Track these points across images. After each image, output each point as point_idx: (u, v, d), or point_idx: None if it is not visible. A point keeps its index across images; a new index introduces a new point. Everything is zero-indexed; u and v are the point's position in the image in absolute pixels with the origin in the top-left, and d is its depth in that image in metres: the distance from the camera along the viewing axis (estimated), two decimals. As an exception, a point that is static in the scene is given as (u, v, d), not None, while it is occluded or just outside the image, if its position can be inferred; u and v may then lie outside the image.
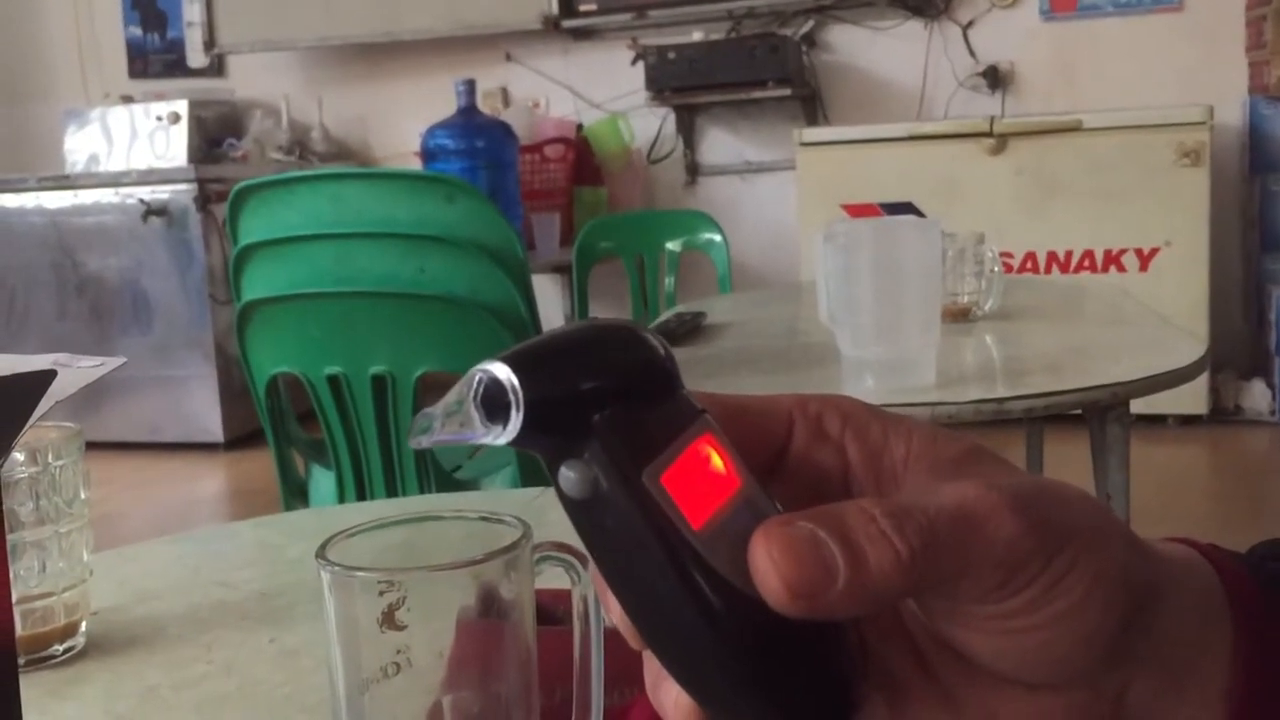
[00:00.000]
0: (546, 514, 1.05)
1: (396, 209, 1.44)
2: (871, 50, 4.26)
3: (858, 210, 3.68)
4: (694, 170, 4.52)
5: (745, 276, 4.01)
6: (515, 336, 1.43)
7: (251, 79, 4.95)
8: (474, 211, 1.45)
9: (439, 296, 1.40)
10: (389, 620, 0.47)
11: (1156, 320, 1.73)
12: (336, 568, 0.45)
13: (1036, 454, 2.33)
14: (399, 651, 0.47)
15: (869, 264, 1.38)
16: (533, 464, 1.59)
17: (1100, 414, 1.45)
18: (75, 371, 0.48)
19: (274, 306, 1.47)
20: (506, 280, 1.42)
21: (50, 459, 0.71)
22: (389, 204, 1.45)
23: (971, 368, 1.55)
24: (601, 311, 3.87)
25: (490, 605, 0.48)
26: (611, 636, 0.61)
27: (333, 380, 1.49)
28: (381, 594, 0.47)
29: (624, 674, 0.60)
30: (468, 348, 1.44)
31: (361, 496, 1.52)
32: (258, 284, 1.49)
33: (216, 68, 5.05)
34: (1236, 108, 3.86)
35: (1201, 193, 3.39)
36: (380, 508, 1.14)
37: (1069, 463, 1.90)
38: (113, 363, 0.47)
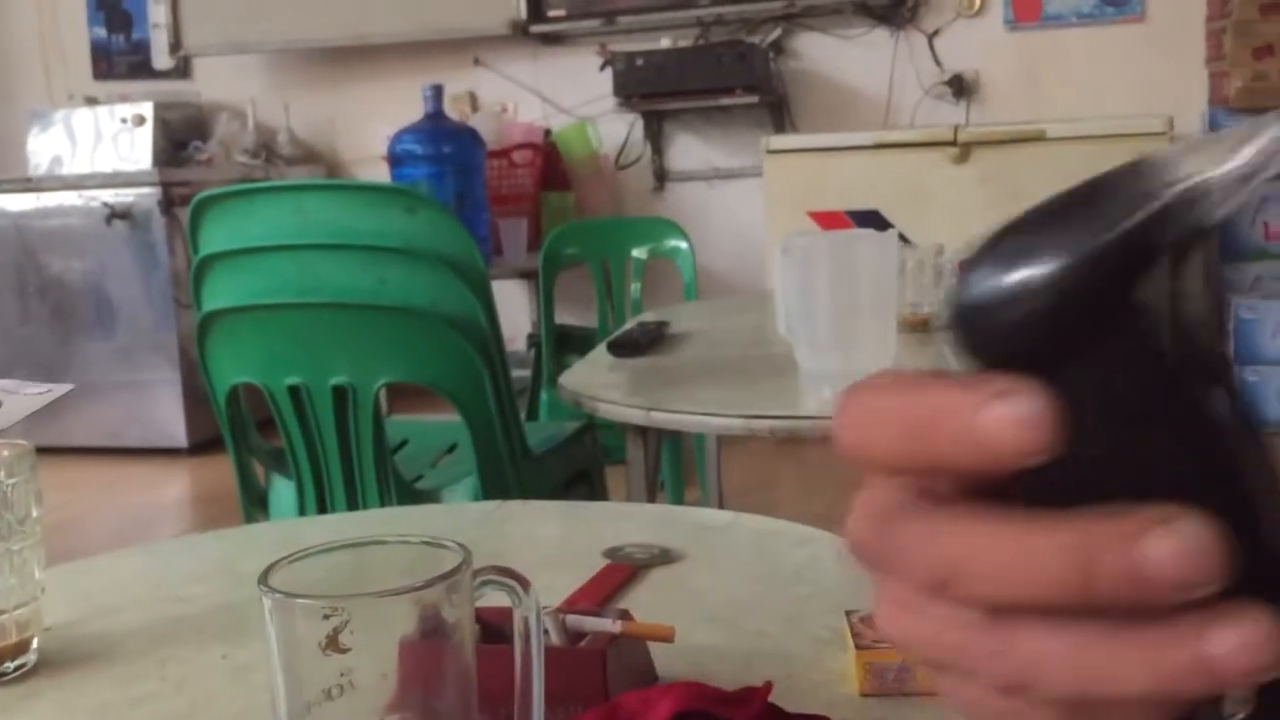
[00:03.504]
0: (505, 525, 1.06)
1: (357, 220, 1.45)
2: (838, 58, 4.29)
3: (824, 218, 3.70)
4: (662, 176, 4.53)
5: (713, 283, 4.02)
6: (476, 347, 1.44)
7: (218, 81, 4.93)
8: (435, 223, 1.45)
9: (399, 308, 1.41)
10: (333, 644, 0.48)
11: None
12: (278, 594, 0.46)
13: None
14: (342, 674, 0.48)
15: (826, 277, 1.40)
16: (493, 475, 1.60)
17: (1054, 425, 1.47)
18: (21, 399, 0.49)
19: (235, 317, 1.47)
20: (467, 291, 1.43)
21: (2, 477, 0.71)
22: (350, 215, 1.46)
23: (928, 379, 1.57)
24: (567, 318, 3.88)
25: (432, 628, 0.49)
26: (555, 656, 0.62)
27: (293, 391, 1.49)
28: (326, 618, 0.47)
29: (566, 693, 0.61)
30: (428, 359, 1.45)
31: (322, 507, 1.52)
32: (218, 294, 1.49)
33: (182, 70, 5.02)
34: (1197, 118, 3.91)
35: (1161, 202, 3.43)
36: (339, 521, 1.15)
37: (1027, 471, 1.92)
38: (59, 390, 0.48)
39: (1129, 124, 3.48)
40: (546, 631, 0.65)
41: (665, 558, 0.90)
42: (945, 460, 0.25)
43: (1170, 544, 0.23)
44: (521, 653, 0.52)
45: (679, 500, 3.21)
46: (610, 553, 0.90)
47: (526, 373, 3.40)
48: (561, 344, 3.13)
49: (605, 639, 0.63)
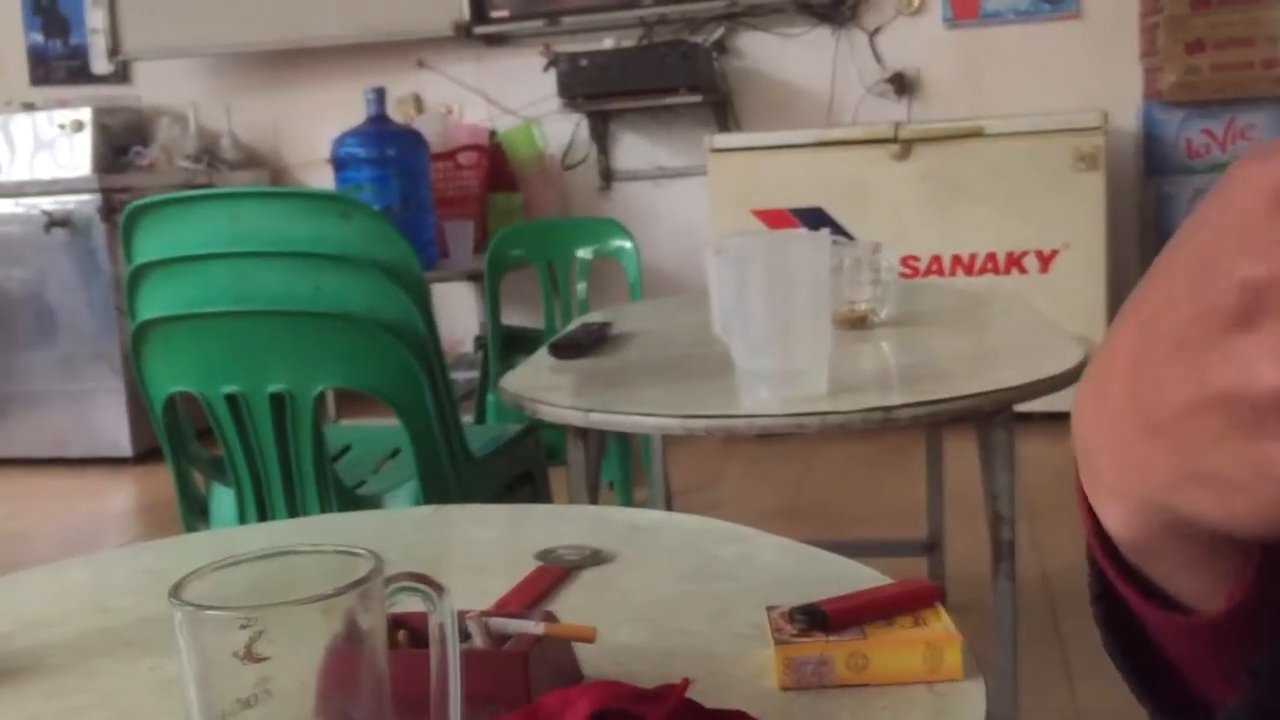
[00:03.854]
0: (441, 530, 1.07)
1: (292, 227, 1.44)
2: (781, 57, 4.32)
3: (769, 215, 3.73)
4: (608, 176, 4.55)
5: (660, 281, 4.04)
6: (414, 353, 1.44)
7: (158, 86, 4.88)
8: (370, 229, 1.45)
9: (335, 314, 1.41)
10: (250, 653, 0.49)
11: (1046, 325, 1.79)
12: (189, 607, 0.46)
13: (936, 454, 2.39)
14: (258, 683, 0.49)
15: (760, 278, 1.41)
16: (434, 479, 1.60)
17: (986, 418, 1.50)
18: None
19: (170, 326, 1.47)
20: (404, 296, 1.43)
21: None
22: (285, 222, 1.45)
23: (864, 375, 1.59)
24: (517, 319, 3.88)
25: (347, 635, 0.50)
26: (477, 659, 0.63)
27: (231, 399, 1.49)
28: (242, 628, 0.48)
29: (489, 695, 0.62)
30: (365, 365, 1.45)
31: (262, 515, 1.52)
32: (153, 304, 1.48)
33: (121, 74, 4.96)
34: (1132, 113, 3.99)
35: (1098, 196, 3.49)
36: (277, 529, 1.15)
37: (969, 462, 1.95)
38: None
39: (1065, 120, 3.54)
40: (470, 635, 0.66)
41: (596, 559, 0.91)
42: None
43: None
44: (437, 657, 0.53)
45: (628, 499, 3.22)
46: (542, 555, 0.91)
47: (476, 374, 3.39)
48: (510, 345, 3.13)
49: (528, 641, 0.64)
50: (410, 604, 0.56)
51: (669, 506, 2.65)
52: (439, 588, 0.52)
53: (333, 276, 1.41)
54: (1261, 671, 0.35)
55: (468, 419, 3.54)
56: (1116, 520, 0.33)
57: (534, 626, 0.65)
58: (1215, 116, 3.75)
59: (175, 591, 0.47)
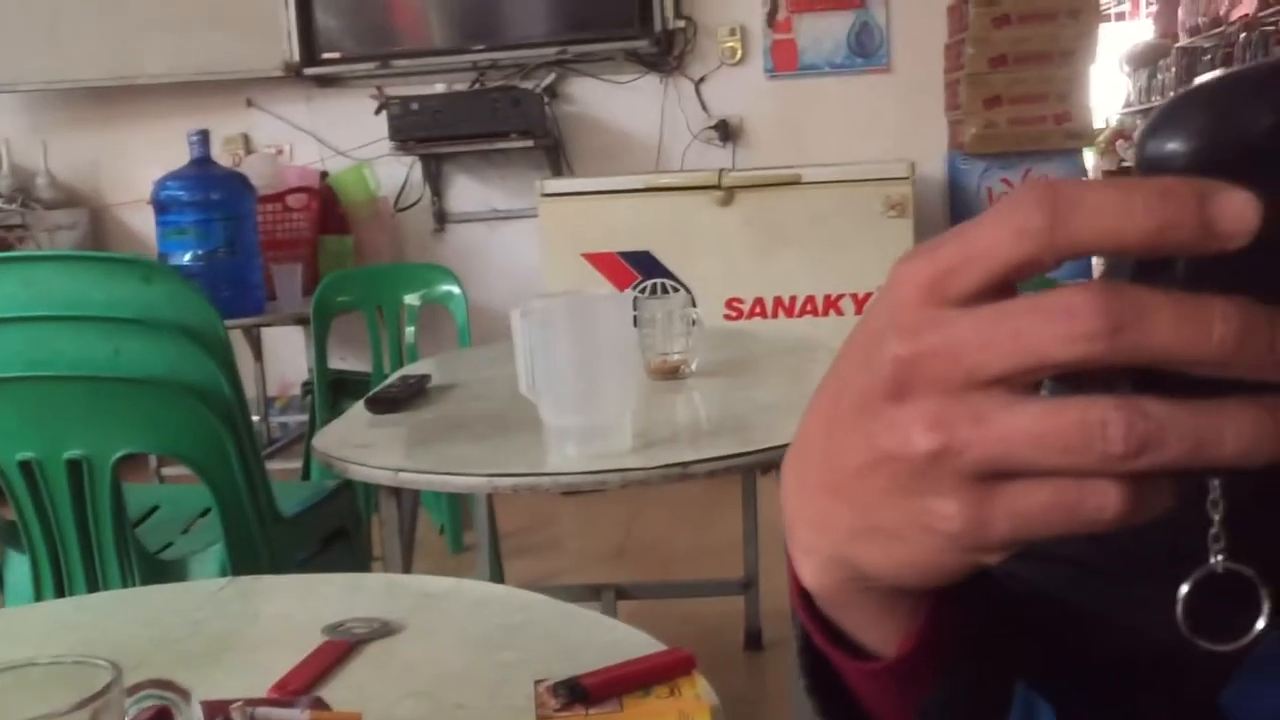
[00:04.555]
0: (232, 604, 1.08)
1: (91, 291, 1.42)
2: (611, 103, 4.41)
3: (598, 259, 3.79)
4: (442, 218, 4.55)
5: (493, 323, 4.04)
6: (218, 416, 1.44)
7: (-33, 122, 4.67)
8: (172, 292, 1.44)
9: (136, 379, 1.39)
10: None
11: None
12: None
13: (751, 495, 2.47)
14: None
15: (565, 338, 1.46)
16: (241, 541, 1.59)
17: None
18: None
19: (-42, 393, 1.43)
20: (207, 359, 1.42)
21: None
22: (82, 286, 1.43)
23: (670, 428, 1.65)
24: (352, 362, 3.84)
25: (89, 744, 0.51)
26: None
27: (25, 466, 1.45)
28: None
29: (246, 786, 0.64)
30: (168, 428, 1.44)
31: (59, 584, 1.49)
32: (-59, 369, 1.44)
33: (-73, 110, 4.74)
34: (938, 162, 4.21)
35: (907, 241, 3.66)
36: (62, 608, 1.13)
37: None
38: None
39: (876, 169, 3.71)
40: (236, 725, 0.68)
41: (384, 630, 0.93)
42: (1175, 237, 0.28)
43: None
44: (184, 758, 0.55)
45: (458, 543, 3.22)
46: (329, 629, 0.93)
47: (305, 418, 3.35)
48: (340, 390, 3.11)
49: (291, 729, 0.67)
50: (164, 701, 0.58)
51: (496, 552, 2.66)
52: (184, 693, 0.54)
53: (134, 340, 1.40)
54: (929, 710, 0.40)
55: (295, 465, 3.48)
56: (809, 575, 0.37)
57: (299, 715, 0.67)
58: (1013, 167, 3.98)
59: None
